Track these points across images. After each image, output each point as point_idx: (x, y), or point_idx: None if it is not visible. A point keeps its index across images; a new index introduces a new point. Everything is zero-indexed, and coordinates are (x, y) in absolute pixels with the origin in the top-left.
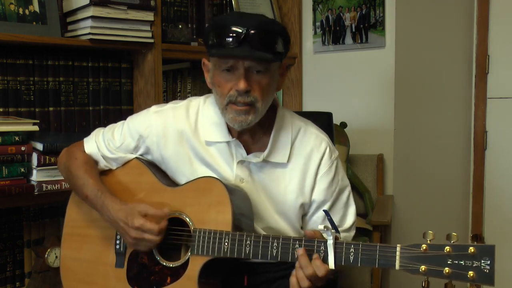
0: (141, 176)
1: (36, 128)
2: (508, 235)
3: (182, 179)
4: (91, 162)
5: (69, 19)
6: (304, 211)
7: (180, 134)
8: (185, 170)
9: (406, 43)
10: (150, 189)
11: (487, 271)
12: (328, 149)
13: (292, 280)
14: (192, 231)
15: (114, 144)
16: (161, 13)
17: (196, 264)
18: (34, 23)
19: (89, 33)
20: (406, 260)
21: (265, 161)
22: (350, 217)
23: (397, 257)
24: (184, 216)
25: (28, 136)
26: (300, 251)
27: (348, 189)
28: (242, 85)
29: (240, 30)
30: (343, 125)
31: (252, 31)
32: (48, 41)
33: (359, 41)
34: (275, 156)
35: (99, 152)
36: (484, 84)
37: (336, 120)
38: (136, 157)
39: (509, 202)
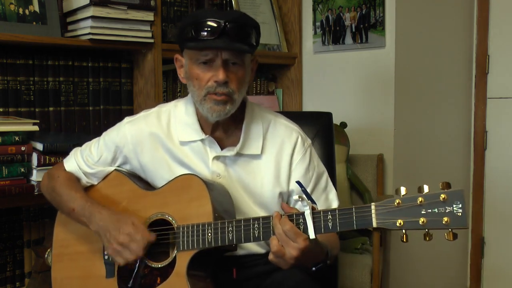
0: (122, 186)
1: (36, 128)
2: (508, 235)
3: (161, 183)
4: (74, 178)
5: (69, 19)
6: (283, 200)
7: (154, 139)
8: (164, 173)
9: (406, 43)
10: (132, 196)
11: (460, 214)
12: (299, 137)
13: (272, 247)
14: (175, 228)
15: (92, 159)
16: (161, 13)
17: (183, 260)
18: (34, 23)
19: (89, 33)
20: (382, 217)
21: (239, 154)
22: (334, 201)
23: (373, 215)
24: (167, 216)
25: (28, 136)
26: (274, 213)
27: (326, 174)
28: (221, 76)
29: (218, 23)
30: (343, 125)
31: (230, 24)
32: (48, 41)
33: (359, 41)
34: (248, 148)
35: (80, 170)
36: (484, 84)
37: (336, 120)
38: (116, 169)
39: (509, 202)
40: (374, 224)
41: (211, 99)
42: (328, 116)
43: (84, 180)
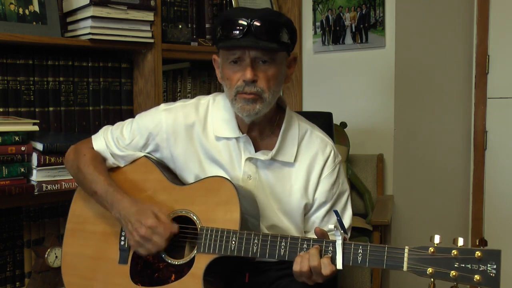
0: (149, 174)
1: (36, 128)
2: (508, 235)
3: (190, 177)
4: (100, 158)
5: (69, 19)
6: (306, 211)
7: (189, 130)
8: (194, 167)
9: (406, 43)
10: (158, 187)
11: (493, 275)
12: (332, 152)
13: (295, 267)
14: (199, 229)
15: (123, 142)
16: (161, 13)
17: (202, 262)
18: (34, 23)
19: (89, 33)
20: (413, 262)
21: (273, 159)
22: (347, 220)
23: (405, 259)
24: (191, 215)
25: (28, 136)
26: (313, 250)
27: (347, 194)
28: (248, 74)
29: (245, 22)
30: (343, 125)
31: (256, 22)
32: (48, 41)
33: (359, 41)
34: (282, 155)
35: (108, 150)
36: (484, 84)
37: (336, 120)
38: (145, 155)
39: (509, 202)
40: (405, 268)
41: (241, 98)
42: (328, 116)
43: (111, 161)
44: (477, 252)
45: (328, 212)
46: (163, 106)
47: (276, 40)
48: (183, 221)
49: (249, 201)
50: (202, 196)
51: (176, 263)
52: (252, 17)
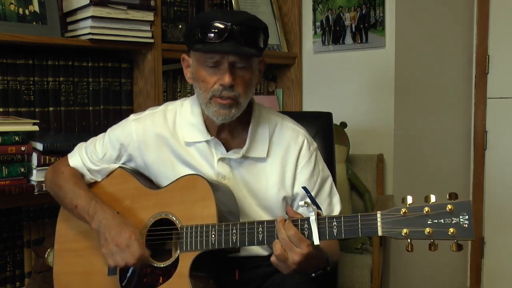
0: (125, 183)
1: (36, 128)
2: (508, 235)
3: (165, 182)
4: (78, 174)
5: (69, 19)
6: (287, 204)
7: (159, 138)
8: (168, 173)
9: (406, 43)
10: (136, 194)
11: (467, 226)
12: (305, 141)
13: (275, 251)
14: (179, 229)
15: (97, 156)
16: (161, 13)
17: (186, 260)
18: (34, 23)
19: (89, 33)
20: (387, 225)
21: (245, 157)
22: (337, 206)
23: (379, 223)
24: (171, 216)
25: (28, 136)
26: (279, 218)
27: (330, 179)
28: (227, 79)
29: (225, 26)
30: (343, 125)
31: (237, 27)
32: (48, 41)
33: (359, 41)
34: (254, 151)
35: (84, 166)
36: (484, 84)
37: (336, 120)
38: (120, 166)
39: (509, 202)
40: (380, 233)
41: (216, 102)
42: (328, 116)
43: (88, 176)
44: (448, 206)
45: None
46: (132, 116)
47: (254, 45)
48: (164, 223)
49: (227, 195)
50: (178, 196)
51: (162, 265)
52: (232, 21)
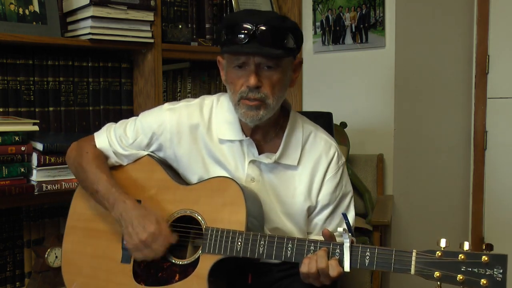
0: (152, 173)
1: (36, 128)
2: (508, 235)
3: (193, 177)
4: (102, 157)
5: (69, 19)
6: (309, 214)
7: (194, 131)
8: (197, 168)
9: (406, 43)
10: (162, 186)
11: (499, 279)
12: (336, 154)
13: (303, 268)
14: (204, 230)
15: (126, 141)
16: (161, 13)
17: (206, 262)
18: (34, 23)
19: (89, 33)
20: (421, 266)
21: (276, 162)
22: (350, 222)
23: (413, 262)
24: (196, 215)
25: (28, 136)
26: (321, 252)
27: (350, 195)
28: (252, 81)
29: (249, 27)
30: (343, 125)
31: (261, 27)
32: (48, 41)
33: (359, 41)
34: (286, 158)
35: (111, 148)
36: (484, 84)
37: (336, 120)
38: (148, 154)
39: (509, 202)
40: (412, 271)
41: (244, 104)
42: (328, 116)
43: (114, 159)
44: (483, 257)
45: (331, 214)
46: (167, 105)
47: (281, 45)
48: (187, 220)
49: (254, 202)
50: (207, 197)
51: (181, 263)
52: (257, 22)
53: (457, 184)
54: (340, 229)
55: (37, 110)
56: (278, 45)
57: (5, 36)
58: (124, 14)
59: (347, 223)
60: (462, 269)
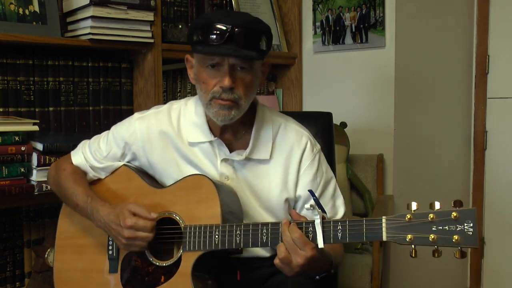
0: (129, 181)
1: (36, 128)
2: (508, 235)
3: (169, 181)
4: (80, 172)
5: (69, 19)
6: (290, 206)
7: (164, 137)
8: (172, 172)
9: (406, 43)
10: (140, 193)
11: (471, 233)
12: (309, 143)
13: (279, 253)
14: (182, 229)
15: (101, 154)
16: (161, 13)
17: (188, 260)
18: (34, 23)
19: (89, 33)
20: (392, 231)
21: (248, 158)
22: (341, 209)
23: (384, 229)
24: (174, 215)
25: (28, 136)
26: (284, 220)
27: (334, 181)
28: (226, 82)
29: (225, 28)
30: (343, 125)
31: (237, 29)
32: (48, 41)
33: (359, 41)
34: (257, 153)
35: (87, 163)
36: (484, 84)
37: (336, 120)
38: (124, 164)
39: (509, 202)
40: (384, 238)
41: (216, 103)
42: (328, 116)
43: (91, 174)
44: (453, 213)
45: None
46: (137, 114)
47: (255, 48)
48: (167, 222)
49: (230, 196)
50: (182, 196)
51: (164, 264)
52: (233, 23)
53: (457, 184)
54: (307, 205)
55: (37, 110)
56: (253, 47)
57: (5, 36)
58: (124, 14)
59: (315, 199)
60: (434, 229)
